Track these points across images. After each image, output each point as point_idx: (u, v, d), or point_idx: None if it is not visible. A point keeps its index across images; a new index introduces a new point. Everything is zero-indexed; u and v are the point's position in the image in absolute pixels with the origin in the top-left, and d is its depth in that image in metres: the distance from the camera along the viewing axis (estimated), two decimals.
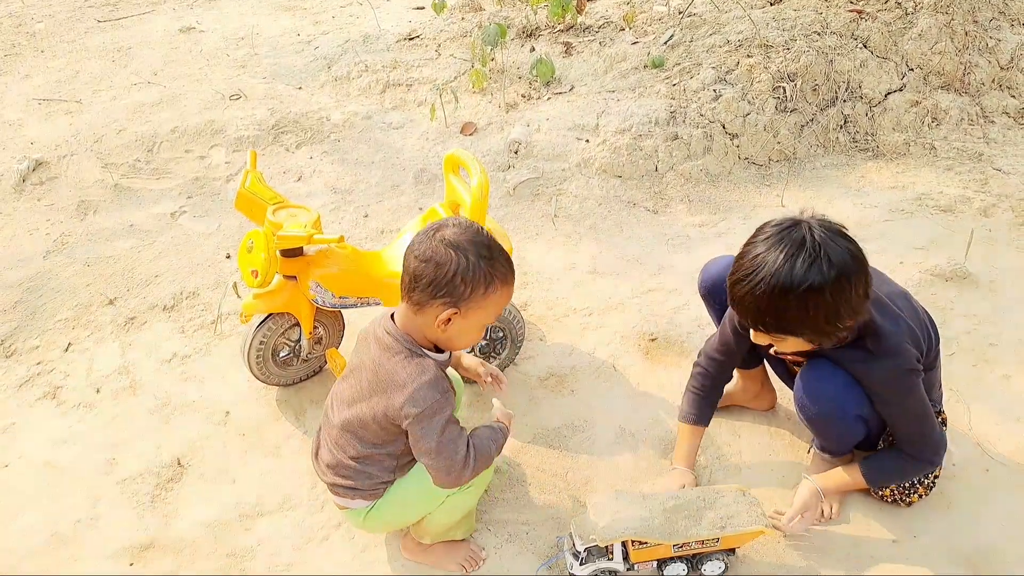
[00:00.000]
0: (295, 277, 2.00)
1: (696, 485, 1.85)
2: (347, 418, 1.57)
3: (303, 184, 3.18)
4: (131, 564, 1.74)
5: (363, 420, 1.54)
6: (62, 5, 4.95)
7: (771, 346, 1.77)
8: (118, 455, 2.00)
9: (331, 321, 2.17)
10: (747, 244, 1.51)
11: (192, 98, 3.68)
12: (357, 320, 2.37)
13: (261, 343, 2.07)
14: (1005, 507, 1.80)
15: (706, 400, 1.88)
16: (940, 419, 1.79)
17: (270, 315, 2.05)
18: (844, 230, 1.48)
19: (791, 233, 1.45)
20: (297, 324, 2.09)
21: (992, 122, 3.44)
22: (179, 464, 1.97)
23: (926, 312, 1.71)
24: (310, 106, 3.62)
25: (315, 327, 2.11)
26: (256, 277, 1.91)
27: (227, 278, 2.61)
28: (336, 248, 2.04)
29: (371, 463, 1.58)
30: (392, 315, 1.59)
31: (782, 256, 1.42)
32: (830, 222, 1.48)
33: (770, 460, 1.96)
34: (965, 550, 1.71)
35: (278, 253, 1.94)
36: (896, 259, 2.69)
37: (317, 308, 2.06)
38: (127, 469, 1.96)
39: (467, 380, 1.86)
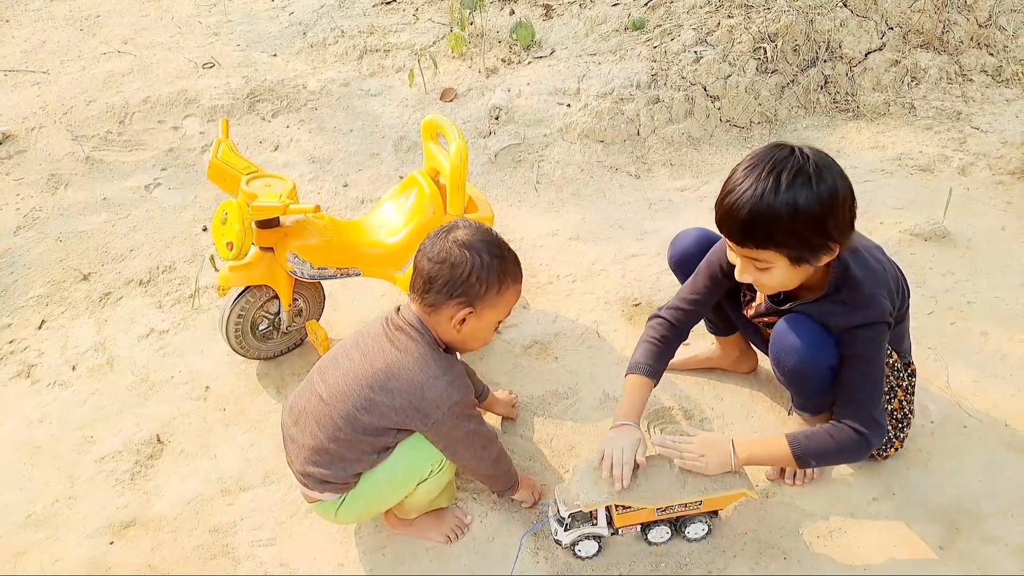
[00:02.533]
0: (272, 248, 1.93)
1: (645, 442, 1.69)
2: (348, 398, 1.46)
3: (280, 154, 3.06)
4: (111, 543, 1.69)
5: (373, 402, 1.45)
6: None
7: (750, 299, 1.73)
8: (96, 433, 1.93)
9: (311, 293, 2.09)
10: (736, 166, 1.47)
11: (164, 67, 3.53)
12: (337, 291, 2.29)
13: (239, 316, 1.99)
14: (981, 462, 1.79)
15: (662, 353, 1.72)
16: (909, 369, 1.76)
17: (248, 288, 1.97)
18: (830, 156, 1.46)
19: (778, 151, 1.43)
20: (276, 296, 2.02)
21: (970, 80, 3.38)
22: (158, 440, 1.91)
23: (896, 266, 1.68)
24: (286, 73, 3.49)
25: (294, 299, 2.04)
26: (231, 249, 1.83)
27: (204, 251, 2.52)
28: (313, 218, 1.96)
29: (353, 450, 1.48)
30: (399, 309, 1.53)
31: (768, 168, 1.40)
32: (818, 149, 1.45)
33: (751, 422, 1.93)
34: (943, 506, 1.70)
35: (253, 224, 1.85)
36: (876, 220, 2.65)
37: (296, 280, 1.98)
38: (105, 447, 1.89)
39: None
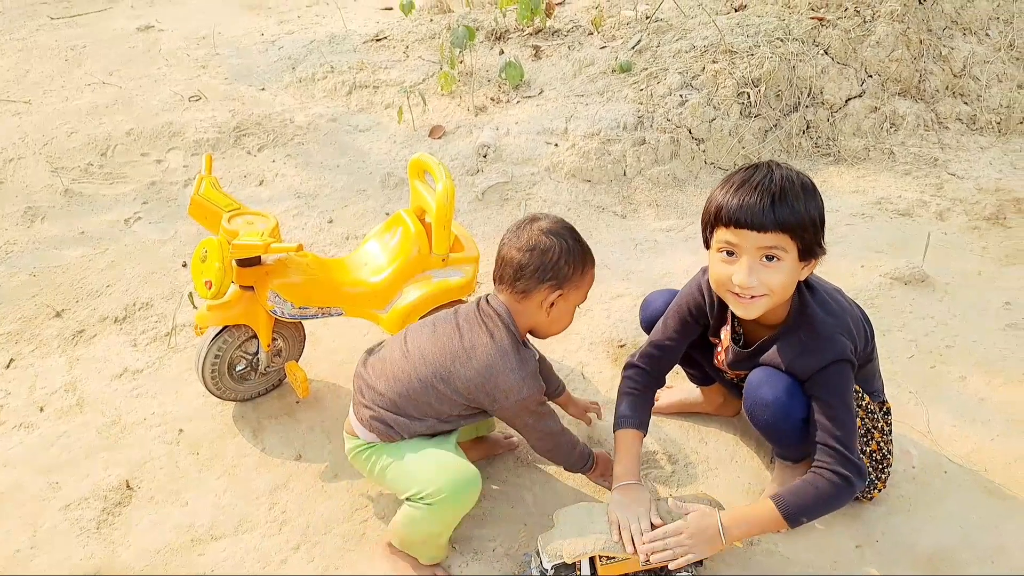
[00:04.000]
0: (252, 287, 1.88)
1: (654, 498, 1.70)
2: (430, 364, 1.57)
3: (265, 188, 3.03)
4: None
5: (451, 373, 1.55)
6: (13, 1, 4.69)
7: (718, 331, 1.72)
8: (62, 478, 1.85)
9: (291, 332, 2.04)
10: (729, 174, 1.52)
11: (149, 99, 3.50)
12: (317, 330, 2.24)
13: (216, 356, 1.93)
14: (961, 509, 1.77)
15: (645, 402, 1.73)
16: (884, 408, 1.75)
17: (226, 327, 1.92)
18: None
19: (759, 167, 1.48)
20: (254, 336, 1.96)
21: (946, 128, 3.45)
22: (128, 487, 1.83)
23: (859, 307, 1.69)
24: (273, 108, 3.47)
25: (274, 339, 1.98)
26: (210, 288, 1.78)
27: (182, 288, 2.46)
28: (296, 256, 1.92)
29: (419, 410, 1.57)
30: (487, 298, 1.62)
31: (767, 167, 1.47)
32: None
33: (736, 466, 1.90)
34: (925, 552, 1.68)
35: (234, 263, 1.81)
36: (857, 263, 2.67)
37: (276, 319, 1.93)
38: (72, 493, 1.81)
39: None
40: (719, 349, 1.76)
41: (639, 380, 1.74)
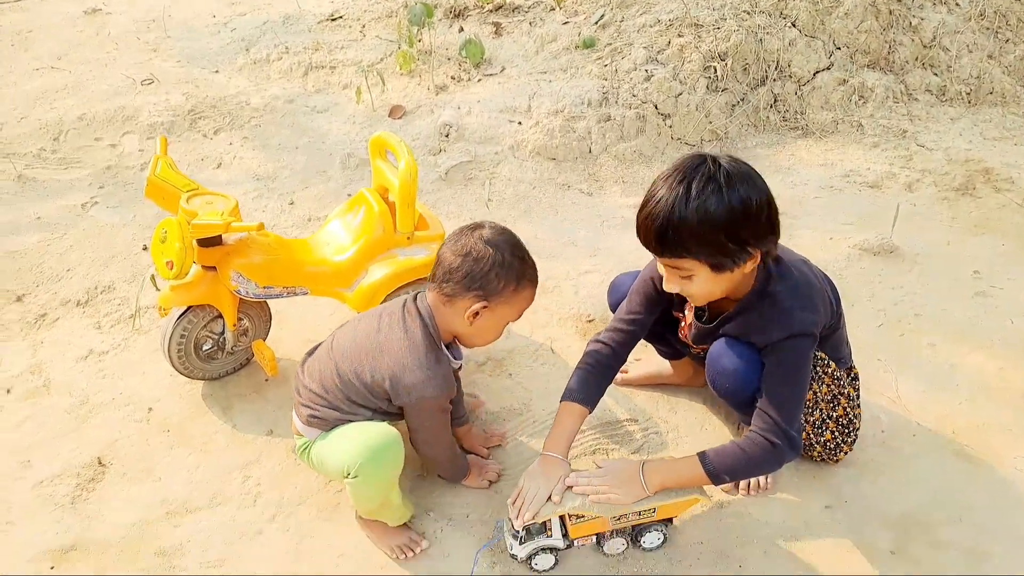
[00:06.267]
0: (215, 267, 2.01)
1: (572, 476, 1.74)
2: (349, 359, 1.70)
3: (223, 171, 3.17)
4: (51, 568, 1.75)
5: (364, 368, 1.68)
6: None
7: (682, 306, 1.87)
8: (32, 457, 1.99)
9: (256, 312, 2.19)
10: (654, 180, 1.60)
11: (100, 83, 3.61)
12: (284, 309, 2.40)
13: (182, 337, 2.08)
14: (930, 471, 1.94)
15: (596, 379, 1.82)
16: (852, 374, 1.89)
17: (190, 307, 2.06)
18: (747, 164, 1.56)
19: (691, 161, 1.54)
20: (220, 316, 2.11)
21: (915, 99, 3.68)
22: (100, 463, 1.98)
23: (825, 276, 1.81)
24: (228, 90, 3.61)
25: (240, 318, 2.13)
26: (171, 268, 1.91)
27: (144, 271, 2.60)
28: (257, 236, 2.06)
29: (348, 403, 1.71)
30: (416, 296, 1.74)
31: (679, 177, 1.51)
32: (736, 158, 1.56)
33: (705, 434, 2.06)
34: (894, 513, 1.84)
35: (194, 242, 1.93)
36: (826, 235, 2.86)
37: (241, 299, 2.08)
38: (43, 471, 1.96)
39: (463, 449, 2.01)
40: (683, 324, 1.90)
41: (596, 357, 1.84)
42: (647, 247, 1.61)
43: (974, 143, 3.45)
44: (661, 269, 1.67)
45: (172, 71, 3.74)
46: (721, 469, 1.65)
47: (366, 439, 1.65)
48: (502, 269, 1.64)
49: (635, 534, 1.73)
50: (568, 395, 1.80)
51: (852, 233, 2.86)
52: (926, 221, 2.96)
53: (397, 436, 1.68)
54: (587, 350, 1.87)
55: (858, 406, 1.91)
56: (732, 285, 1.64)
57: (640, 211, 1.59)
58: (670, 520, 1.76)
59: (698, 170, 1.52)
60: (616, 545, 1.74)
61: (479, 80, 3.57)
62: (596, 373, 1.83)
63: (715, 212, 1.49)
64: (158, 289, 2.48)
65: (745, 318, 1.69)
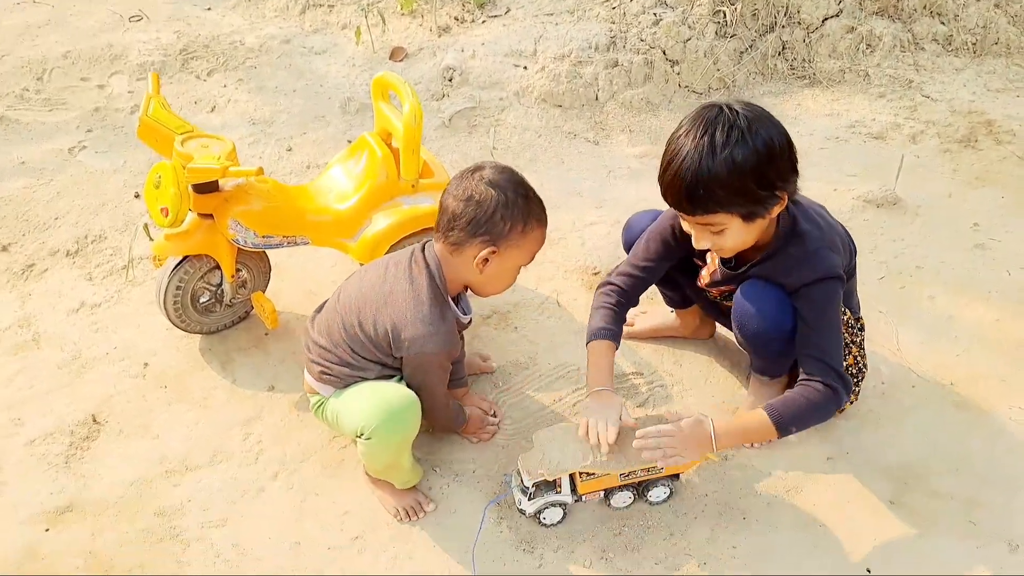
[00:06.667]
0: (211, 215, 1.86)
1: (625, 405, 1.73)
2: (354, 311, 1.58)
3: (217, 115, 2.95)
4: (46, 530, 1.62)
5: (368, 319, 1.56)
6: None
7: (703, 254, 1.76)
8: (23, 415, 1.85)
9: (255, 262, 2.03)
10: (670, 136, 1.50)
11: (86, 19, 3.34)
12: (283, 260, 2.23)
13: (178, 288, 1.92)
14: (929, 421, 1.88)
15: (619, 317, 1.75)
16: (859, 324, 1.83)
17: (186, 257, 1.90)
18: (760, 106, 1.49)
19: (708, 112, 1.45)
20: (217, 267, 1.95)
21: (922, 49, 3.48)
22: (95, 421, 1.84)
23: (842, 225, 1.74)
24: (221, 28, 3.35)
25: (238, 269, 1.97)
26: (166, 216, 1.75)
27: (137, 219, 2.42)
28: (256, 182, 1.89)
29: (356, 357, 1.59)
30: (424, 246, 1.60)
31: (701, 131, 1.42)
32: (748, 102, 1.48)
33: (710, 387, 1.98)
34: (893, 463, 1.79)
35: (190, 188, 1.78)
36: (831, 187, 2.73)
37: (239, 249, 1.91)
38: (36, 429, 1.82)
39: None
40: (703, 271, 1.79)
41: (614, 296, 1.76)
42: (676, 207, 1.51)
43: (978, 94, 3.30)
44: (689, 227, 1.56)
45: (162, 7, 3.46)
46: (788, 421, 1.56)
47: (382, 400, 1.54)
48: (507, 210, 1.50)
49: (642, 488, 1.67)
50: (596, 334, 1.72)
51: (856, 184, 2.74)
52: (928, 173, 2.83)
53: (414, 399, 1.56)
54: (601, 291, 1.79)
55: (864, 355, 1.85)
56: (761, 232, 1.56)
57: (664, 172, 1.48)
58: (677, 476, 1.70)
59: (717, 120, 1.43)
60: (623, 498, 1.67)
61: (483, 22, 3.32)
62: (615, 312, 1.75)
63: (743, 160, 1.41)
64: (152, 239, 2.29)
65: (774, 261, 1.60)
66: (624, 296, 1.77)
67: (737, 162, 1.40)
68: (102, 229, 2.39)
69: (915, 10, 3.52)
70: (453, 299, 1.61)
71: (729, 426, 1.59)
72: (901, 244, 2.46)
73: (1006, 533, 1.63)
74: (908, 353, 2.06)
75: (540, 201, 1.58)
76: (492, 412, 1.87)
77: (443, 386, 1.67)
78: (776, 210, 1.51)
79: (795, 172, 1.50)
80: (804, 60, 3.35)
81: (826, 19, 3.39)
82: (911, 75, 3.35)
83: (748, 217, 1.48)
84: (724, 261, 1.71)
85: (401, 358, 1.58)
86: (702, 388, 1.97)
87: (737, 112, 1.43)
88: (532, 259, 1.61)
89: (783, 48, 3.34)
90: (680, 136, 1.45)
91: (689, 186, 1.43)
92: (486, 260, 1.53)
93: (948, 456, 1.80)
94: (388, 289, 1.56)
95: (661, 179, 1.50)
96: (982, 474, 1.76)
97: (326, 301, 1.71)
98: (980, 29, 3.53)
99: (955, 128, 3.05)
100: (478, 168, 1.55)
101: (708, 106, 1.46)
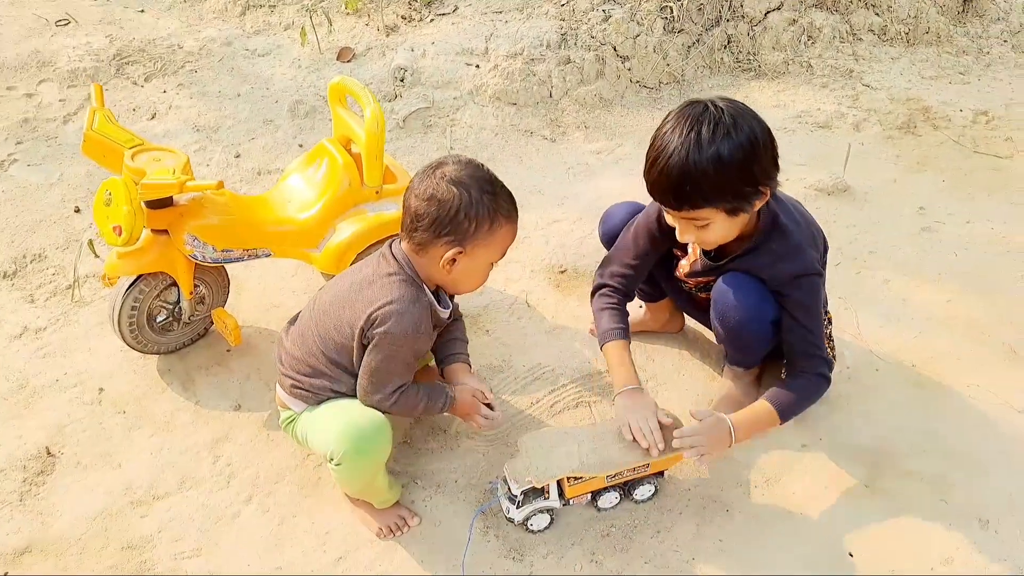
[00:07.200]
0: (166, 231, 1.77)
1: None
2: (329, 316, 1.52)
3: (158, 122, 2.82)
4: (4, 574, 1.52)
5: (342, 320, 1.49)
6: None
7: (681, 258, 1.78)
8: None
9: (213, 278, 1.94)
10: (655, 132, 1.51)
11: (9, 25, 3.14)
12: (240, 273, 2.15)
13: (133, 308, 1.82)
14: (894, 402, 1.94)
15: (623, 314, 1.79)
16: (827, 318, 1.87)
17: (140, 276, 1.80)
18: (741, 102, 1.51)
19: (693, 109, 1.47)
20: (173, 284, 1.86)
21: (860, 39, 3.60)
22: (49, 453, 1.73)
23: (814, 220, 1.79)
24: (157, 32, 3.20)
25: (196, 285, 1.89)
26: (120, 235, 1.66)
27: (78, 235, 2.29)
28: (213, 195, 1.81)
29: (330, 367, 1.52)
30: (391, 244, 1.52)
31: (687, 127, 1.44)
32: (730, 98, 1.51)
33: (684, 379, 1.99)
34: (864, 446, 1.83)
35: (143, 204, 1.69)
36: (781, 176, 2.67)
37: (196, 264, 1.83)
38: None
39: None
40: (683, 261, 1.81)
41: (615, 296, 1.79)
42: (663, 203, 1.53)
43: (913, 82, 3.43)
44: (672, 221, 1.58)
45: (91, 10, 3.28)
46: (789, 410, 1.66)
47: (350, 423, 1.47)
48: (472, 209, 1.43)
49: (628, 487, 1.67)
50: (610, 335, 1.74)
51: (806, 174, 2.80)
52: (873, 160, 2.93)
53: (384, 422, 1.49)
54: (600, 294, 1.81)
55: (834, 347, 1.89)
56: (743, 225, 1.59)
57: (650, 167, 1.49)
58: (662, 473, 1.70)
59: (703, 117, 1.44)
60: (610, 499, 1.67)
61: (431, 20, 3.27)
62: (620, 311, 1.79)
63: (729, 156, 1.43)
64: (97, 256, 2.19)
65: (756, 254, 1.63)
66: (623, 295, 1.80)
67: (723, 158, 1.42)
68: (41, 247, 2.25)
69: (851, 1, 3.63)
70: (432, 293, 1.55)
71: (743, 419, 1.64)
72: (854, 231, 2.53)
73: (976, 510, 1.69)
74: (868, 337, 2.12)
75: (509, 195, 1.51)
76: (486, 401, 1.65)
77: (400, 379, 1.51)
78: (759, 204, 1.53)
79: (776, 167, 1.53)
80: (749, 53, 3.42)
81: (768, 12, 3.46)
82: (851, 65, 3.46)
83: (732, 212, 1.50)
84: (706, 252, 1.73)
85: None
86: (676, 381, 1.99)
87: (722, 109, 1.45)
88: (504, 255, 1.56)
89: (728, 42, 3.40)
90: (666, 132, 1.46)
91: (676, 182, 1.45)
92: (453, 260, 1.47)
93: (916, 436, 1.85)
94: (359, 284, 1.51)
95: (647, 175, 1.50)
96: (948, 453, 1.81)
97: (299, 312, 1.64)
98: (912, 19, 3.67)
99: (895, 115, 3.16)
100: (440, 164, 1.48)
101: (693, 103, 1.47)
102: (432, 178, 1.46)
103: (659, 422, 1.60)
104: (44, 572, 1.52)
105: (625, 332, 1.75)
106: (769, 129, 1.50)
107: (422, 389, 1.57)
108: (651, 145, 1.49)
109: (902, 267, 2.38)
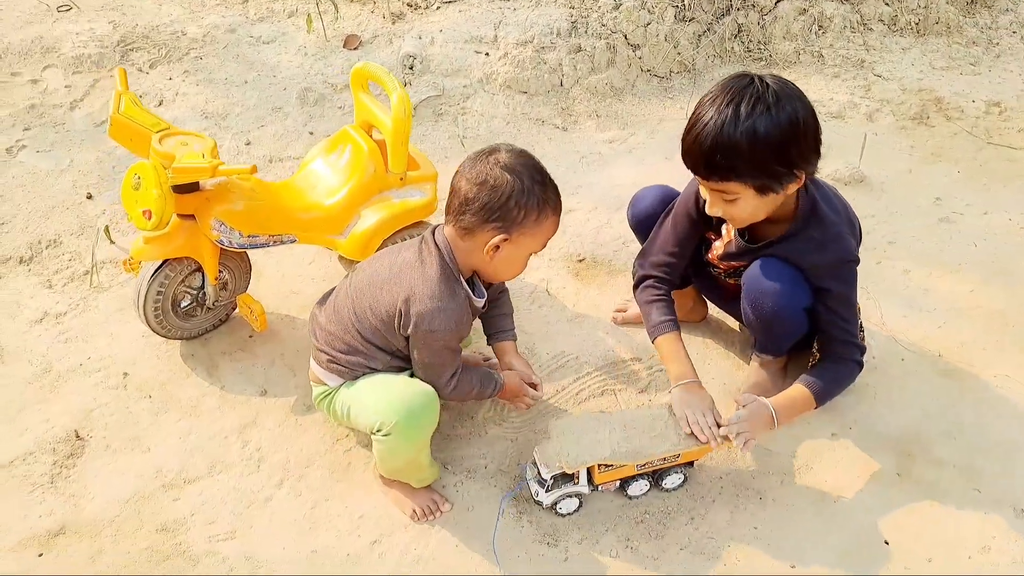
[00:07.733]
0: (193, 216, 1.81)
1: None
2: (365, 296, 1.58)
3: (166, 109, 2.86)
4: (40, 555, 1.57)
5: (379, 301, 1.56)
6: None
7: (714, 240, 1.83)
8: None
9: (236, 263, 1.99)
10: (699, 100, 1.55)
11: (10, 10, 3.16)
12: (259, 259, 2.20)
13: (159, 294, 1.87)
14: (921, 392, 2.00)
15: (671, 304, 1.84)
16: (857, 307, 1.90)
17: (166, 261, 1.85)
18: (792, 83, 1.55)
19: (739, 81, 1.50)
20: (198, 269, 1.91)
21: (871, 29, 3.68)
22: (77, 437, 1.78)
23: (850, 205, 1.82)
24: (160, 18, 3.23)
25: (220, 271, 1.93)
26: (149, 219, 1.71)
27: (93, 221, 2.33)
28: (239, 180, 1.86)
29: (366, 344, 1.59)
30: (435, 230, 1.58)
31: (727, 99, 1.48)
32: (781, 77, 1.54)
33: (709, 367, 2.05)
34: (894, 435, 1.89)
35: (170, 189, 1.73)
36: None
37: (222, 250, 1.88)
38: (12, 450, 1.74)
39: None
40: (717, 243, 1.85)
41: (661, 287, 1.84)
42: (694, 171, 1.58)
43: (924, 73, 3.50)
44: (704, 192, 1.63)
45: None
46: (826, 394, 1.74)
47: (403, 396, 1.54)
48: (522, 197, 1.49)
49: (657, 476, 1.72)
50: (660, 328, 1.79)
51: (822, 163, 2.70)
52: (888, 150, 3.00)
53: (434, 394, 1.57)
54: (645, 286, 1.85)
55: (864, 335, 1.93)
56: (775, 207, 1.61)
57: (686, 135, 1.54)
58: (691, 462, 1.75)
59: (746, 91, 1.48)
60: (640, 487, 1.72)
61: (438, 8, 3.32)
62: (668, 302, 1.83)
63: (764, 133, 1.46)
64: (112, 241, 2.23)
65: (795, 241, 1.67)
66: (669, 284, 1.85)
67: (758, 134, 1.45)
68: (56, 233, 2.29)
69: None
70: (467, 281, 1.61)
71: (782, 403, 1.70)
72: (872, 220, 2.59)
73: (1009, 499, 1.74)
74: (893, 327, 2.17)
75: (556, 188, 1.58)
76: (531, 382, 1.77)
77: (452, 367, 1.62)
78: (792, 188, 1.56)
79: (817, 153, 1.56)
80: (760, 42, 3.49)
81: (778, 1, 3.54)
82: (862, 55, 3.54)
83: (762, 190, 1.53)
84: (741, 233, 1.76)
85: (408, 339, 1.57)
86: (701, 370, 2.00)
87: (768, 84, 1.48)
88: (544, 247, 1.62)
89: (739, 31, 3.48)
90: (707, 102, 1.51)
91: (708, 151, 1.49)
92: (497, 247, 1.53)
93: (944, 425, 1.91)
94: (398, 269, 1.56)
95: (683, 141, 1.55)
96: (977, 442, 1.87)
97: (330, 292, 1.70)
98: (922, 9, 3.76)
99: (908, 106, 3.22)
100: (494, 150, 1.53)
101: (740, 75, 1.51)
102: (485, 163, 1.51)
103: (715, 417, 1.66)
104: (79, 553, 1.57)
105: (676, 324, 1.79)
106: (815, 113, 1.53)
107: (475, 374, 1.67)
108: (693, 112, 1.54)
109: (922, 257, 2.44)
